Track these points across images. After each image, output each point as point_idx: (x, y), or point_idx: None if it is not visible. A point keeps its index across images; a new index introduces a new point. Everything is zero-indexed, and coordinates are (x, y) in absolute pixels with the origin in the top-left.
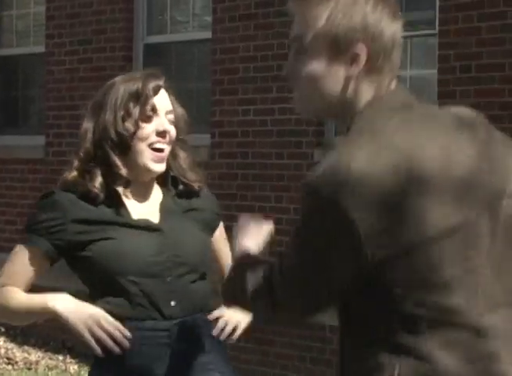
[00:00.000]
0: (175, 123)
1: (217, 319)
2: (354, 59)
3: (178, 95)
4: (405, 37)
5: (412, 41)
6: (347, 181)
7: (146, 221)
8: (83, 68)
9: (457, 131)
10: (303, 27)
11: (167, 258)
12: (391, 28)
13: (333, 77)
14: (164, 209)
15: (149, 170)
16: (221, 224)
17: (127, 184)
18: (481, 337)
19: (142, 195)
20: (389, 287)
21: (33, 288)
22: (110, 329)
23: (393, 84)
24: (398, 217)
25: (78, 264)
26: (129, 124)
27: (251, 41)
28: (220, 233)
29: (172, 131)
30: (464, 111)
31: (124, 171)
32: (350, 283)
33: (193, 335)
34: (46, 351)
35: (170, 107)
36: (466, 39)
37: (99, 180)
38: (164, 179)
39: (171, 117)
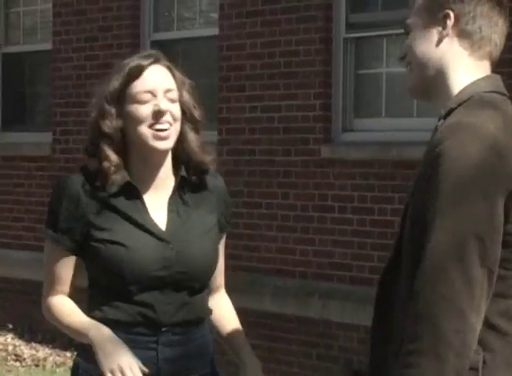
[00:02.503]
0: (181, 101)
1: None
2: (444, 22)
3: None
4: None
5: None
6: None
7: (157, 227)
8: (90, 65)
9: None
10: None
11: (171, 273)
12: (482, 3)
13: (427, 40)
14: (171, 211)
15: (152, 148)
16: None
17: (121, 168)
18: None
19: (154, 183)
20: None
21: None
22: None
23: (486, 69)
24: None
25: (84, 250)
26: (113, 120)
27: (258, 37)
28: (221, 243)
29: (173, 108)
30: None
31: (114, 157)
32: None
33: (185, 347)
34: (54, 348)
35: (168, 86)
36: None
37: (116, 163)
38: (174, 165)
39: (172, 95)
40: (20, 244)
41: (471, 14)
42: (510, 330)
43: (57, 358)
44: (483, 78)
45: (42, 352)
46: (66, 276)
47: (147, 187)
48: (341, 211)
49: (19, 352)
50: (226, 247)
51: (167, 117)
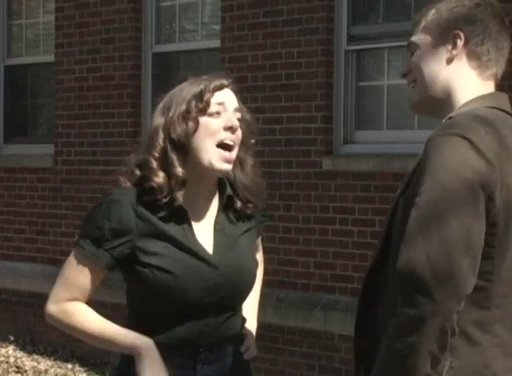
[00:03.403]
0: (242, 126)
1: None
2: (454, 42)
3: None
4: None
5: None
6: None
7: (205, 252)
8: (92, 77)
9: None
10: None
11: (215, 299)
12: (490, 20)
13: (436, 58)
14: (219, 230)
15: (213, 169)
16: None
17: (183, 186)
18: None
19: (203, 205)
20: None
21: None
22: None
23: (492, 88)
24: None
25: (127, 271)
26: (188, 122)
27: (260, 50)
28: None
29: (239, 130)
30: None
31: (180, 170)
32: None
33: (223, 364)
34: (55, 359)
35: (237, 105)
36: None
37: (167, 183)
38: (221, 188)
39: (239, 115)
40: (22, 256)
41: (481, 36)
42: (482, 340)
43: (58, 370)
44: (488, 95)
45: (44, 364)
46: (89, 289)
47: (194, 206)
48: (343, 223)
49: (20, 364)
50: None
51: (236, 135)
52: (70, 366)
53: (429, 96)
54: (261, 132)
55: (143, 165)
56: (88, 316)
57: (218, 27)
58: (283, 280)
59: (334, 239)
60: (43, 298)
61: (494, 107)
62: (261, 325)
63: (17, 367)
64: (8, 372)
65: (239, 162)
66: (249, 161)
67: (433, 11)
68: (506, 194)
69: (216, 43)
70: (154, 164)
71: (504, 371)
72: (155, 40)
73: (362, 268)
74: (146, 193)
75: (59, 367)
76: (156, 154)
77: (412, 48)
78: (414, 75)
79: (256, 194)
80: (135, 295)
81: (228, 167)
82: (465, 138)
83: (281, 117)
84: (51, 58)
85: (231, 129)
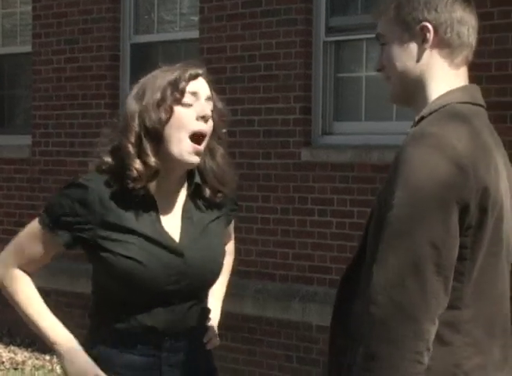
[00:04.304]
0: (214, 115)
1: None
2: (423, 34)
3: None
4: None
5: None
6: None
7: (171, 240)
8: (70, 68)
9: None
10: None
11: (182, 286)
12: (454, 8)
13: (407, 54)
14: (187, 218)
15: (183, 160)
16: (233, 221)
17: (155, 177)
18: None
19: (171, 192)
20: None
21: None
22: None
23: (464, 76)
24: None
25: (93, 258)
26: (162, 111)
27: (238, 40)
28: (229, 229)
29: (211, 120)
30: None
31: (152, 160)
32: None
33: (188, 352)
34: (33, 351)
35: (209, 94)
36: None
37: (141, 166)
38: (190, 175)
39: (211, 105)
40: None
41: (448, 22)
42: (453, 340)
43: (36, 361)
44: (461, 88)
45: (21, 355)
46: (39, 261)
47: (163, 195)
48: (321, 214)
49: None
50: None
51: (208, 123)
52: (47, 357)
53: (403, 89)
54: (239, 123)
55: (119, 150)
56: (30, 292)
57: (196, 18)
58: (261, 271)
59: (313, 230)
60: None
61: (467, 102)
62: (239, 316)
63: None
64: None
65: (209, 151)
66: (219, 151)
67: (394, 4)
68: (481, 197)
69: (194, 34)
70: (131, 149)
71: (477, 369)
72: (133, 30)
73: (341, 259)
74: (115, 181)
75: (37, 359)
76: (133, 140)
77: (382, 40)
78: (388, 71)
79: (225, 183)
80: (100, 282)
81: (197, 159)
82: (436, 148)
83: (259, 108)
84: (28, 48)
85: (203, 119)
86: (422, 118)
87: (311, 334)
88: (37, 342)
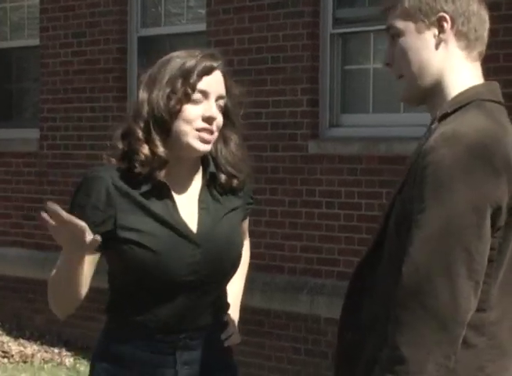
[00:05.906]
0: (229, 107)
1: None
2: (441, 25)
3: None
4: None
5: None
6: None
7: (188, 229)
8: (77, 61)
9: None
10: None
11: (199, 277)
12: (471, 1)
13: (424, 45)
14: (203, 208)
15: (192, 149)
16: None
17: (165, 166)
18: None
19: (185, 180)
20: None
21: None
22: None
23: (480, 71)
24: None
25: (108, 249)
26: (173, 103)
27: (246, 33)
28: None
29: (219, 118)
30: None
31: (161, 150)
32: None
33: (204, 350)
34: (42, 344)
35: (222, 92)
36: None
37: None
38: (204, 165)
39: (222, 102)
40: (8, 241)
41: (466, 14)
42: (478, 343)
43: (45, 354)
44: (483, 84)
45: (30, 348)
46: (86, 273)
47: (177, 184)
48: (329, 206)
49: (7, 349)
50: None
51: (213, 125)
52: (56, 350)
53: (420, 87)
54: (246, 116)
55: (128, 136)
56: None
57: (203, 11)
58: (269, 264)
59: (321, 222)
60: (29, 282)
61: (491, 100)
62: (247, 309)
63: (4, 352)
64: None
65: (223, 139)
66: (233, 139)
67: None
68: (510, 197)
69: (202, 27)
70: (140, 133)
71: (500, 372)
72: (140, 23)
73: (349, 251)
74: (128, 168)
75: (46, 352)
76: (142, 125)
77: (393, 31)
78: (399, 67)
79: (240, 170)
80: (116, 274)
81: (207, 148)
82: (469, 149)
83: (267, 100)
84: (36, 42)
85: (209, 120)
86: (446, 115)
87: (320, 327)
88: (47, 335)
